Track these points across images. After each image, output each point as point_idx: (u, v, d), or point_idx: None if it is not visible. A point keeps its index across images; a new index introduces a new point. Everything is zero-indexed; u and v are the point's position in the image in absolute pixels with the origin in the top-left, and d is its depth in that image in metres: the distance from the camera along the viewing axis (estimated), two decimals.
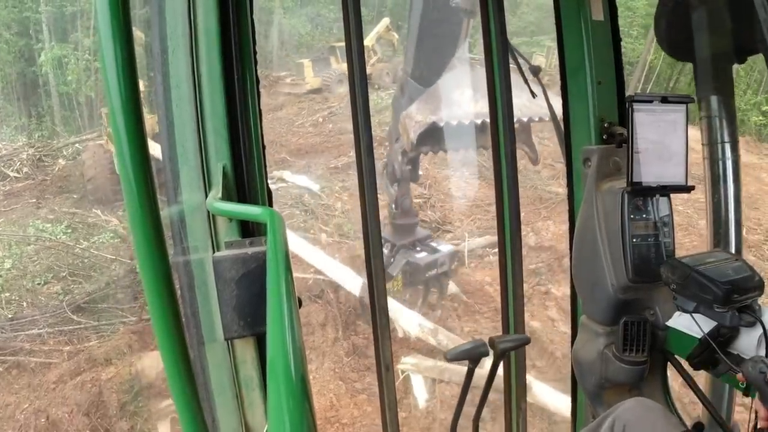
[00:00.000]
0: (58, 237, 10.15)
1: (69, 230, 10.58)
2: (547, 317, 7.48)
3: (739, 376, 1.35)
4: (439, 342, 6.76)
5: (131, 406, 6.22)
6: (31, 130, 20.33)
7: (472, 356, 1.76)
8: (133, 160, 0.62)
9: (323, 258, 8.55)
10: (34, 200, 12.43)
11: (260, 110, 1.40)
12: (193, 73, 1.28)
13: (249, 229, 1.31)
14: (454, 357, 1.79)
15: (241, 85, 1.33)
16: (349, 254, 8.77)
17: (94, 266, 9.26)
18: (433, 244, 6.80)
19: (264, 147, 1.41)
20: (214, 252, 1.25)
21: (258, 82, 1.40)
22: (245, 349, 1.31)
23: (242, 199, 1.34)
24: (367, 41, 18.64)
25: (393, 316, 6.80)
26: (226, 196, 1.25)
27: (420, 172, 6.46)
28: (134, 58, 0.61)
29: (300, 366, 0.64)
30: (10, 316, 7.92)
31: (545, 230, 9.47)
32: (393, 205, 6.22)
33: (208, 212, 1.29)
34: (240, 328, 1.15)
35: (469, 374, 1.82)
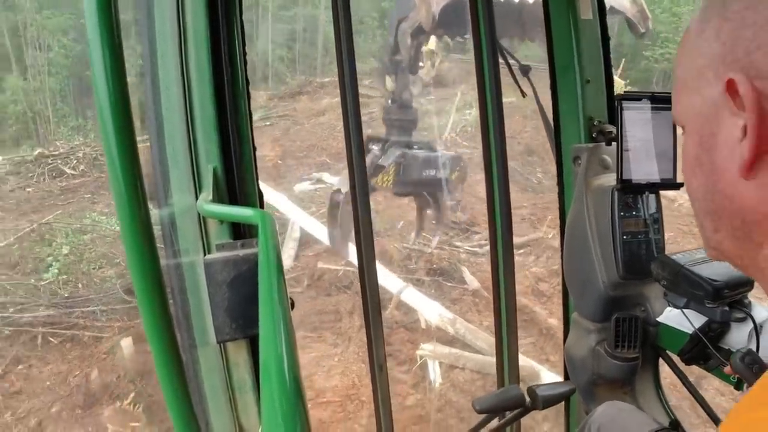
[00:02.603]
0: (112, 228, 10.66)
1: None
2: None
3: (727, 369, 1.36)
4: (457, 331, 7.05)
5: None
6: (87, 130, 20.97)
7: (507, 406, 1.52)
8: (122, 164, 0.62)
9: (353, 252, 8.44)
10: (90, 195, 13.03)
11: (250, 112, 1.39)
12: (182, 75, 1.27)
13: (240, 231, 1.30)
14: (485, 408, 1.51)
15: (231, 86, 1.33)
16: (378, 249, 8.78)
17: None
18: (435, 148, 6.03)
19: (255, 148, 1.41)
20: (205, 254, 1.24)
21: (248, 83, 1.39)
22: (238, 352, 1.30)
23: (233, 201, 1.33)
24: (430, 45, 19.66)
25: (416, 308, 7.39)
26: (217, 198, 1.25)
27: (420, 63, 5.64)
28: (123, 62, 0.61)
29: (293, 368, 0.64)
30: (66, 295, 8.62)
31: None
32: (389, 100, 5.59)
33: (199, 215, 1.28)
34: (232, 330, 1.14)
35: (488, 419, 1.60)
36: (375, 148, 5.66)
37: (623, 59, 23.35)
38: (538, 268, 8.99)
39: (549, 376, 5.95)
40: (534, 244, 9.48)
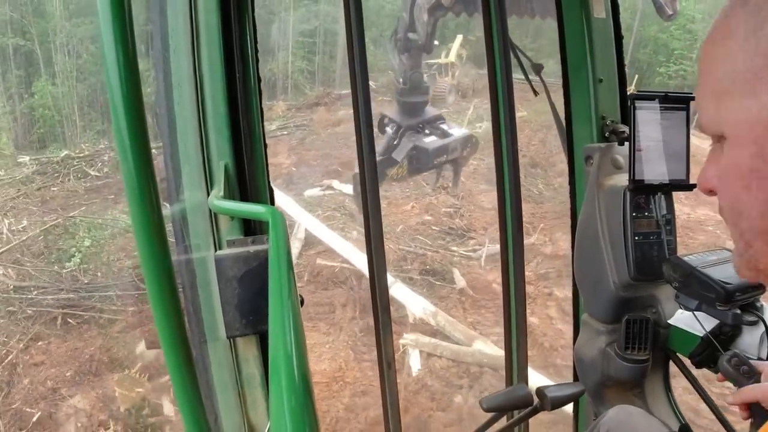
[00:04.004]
0: (131, 225, 11.78)
1: None
2: (546, 315, 8.46)
3: (719, 376, 1.34)
4: (438, 323, 7.86)
5: None
6: (112, 135, 21.80)
7: (515, 405, 1.48)
8: (135, 160, 0.62)
9: (351, 250, 10.00)
10: (113, 196, 13.95)
11: (262, 108, 1.39)
12: (194, 71, 1.27)
13: (251, 228, 1.31)
14: (493, 407, 1.46)
15: (243, 83, 1.33)
16: None
17: None
18: (444, 126, 5.96)
19: (266, 145, 1.41)
20: (216, 250, 1.25)
21: (260, 80, 1.39)
22: (247, 348, 1.31)
23: (244, 198, 1.34)
24: (451, 58, 23.16)
25: (404, 303, 8.13)
26: (228, 195, 1.25)
27: (436, 42, 5.29)
28: (136, 59, 0.62)
29: (302, 364, 0.64)
30: (86, 281, 9.66)
31: (562, 240, 10.10)
32: (400, 80, 5.41)
33: (210, 211, 1.29)
34: (242, 326, 1.15)
35: (495, 419, 1.55)
36: (389, 130, 5.64)
37: (636, 75, 23.39)
38: (526, 273, 9.19)
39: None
40: (525, 250, 9.55)
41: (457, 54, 23.88)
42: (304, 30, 30.15)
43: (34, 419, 6.59)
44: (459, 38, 24.00)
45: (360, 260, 9.37)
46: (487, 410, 1.48)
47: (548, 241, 10.14)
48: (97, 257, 10.36)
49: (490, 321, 8.23)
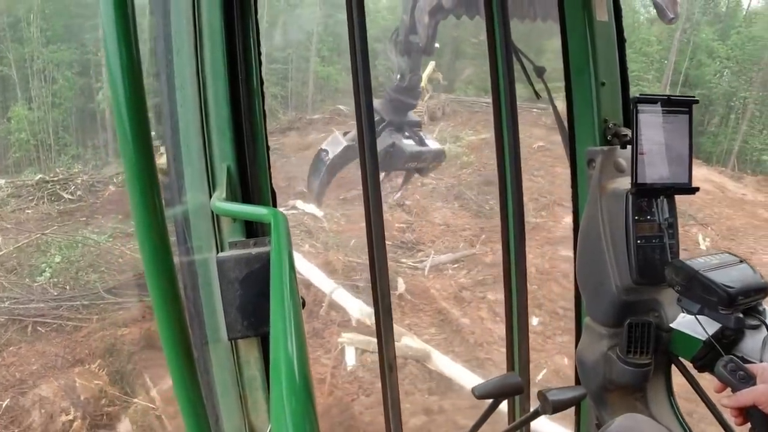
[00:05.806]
0: (100, 243, 12.50)
1: (111, 239, 12.77)
2: (478, 316, 9.68)
3: (717, 386, 1.32)
4: (373, 323, 8.11)
5: (137, 356, 8.57)
6: (86, 159, 23.35)
7: (505, 392, 1.49)
8: (137, 161, 0.62)
9: (300, 260, 10.78)
10: (85, 219, 14.62)
11: (265, 111, 1.40)
12: (197, 73, 1.28)
13: (253, 230, 1.31)
14: (484, 394, 1.48)
15: (246, 85, 1.33)
16: (323, 260, 11.30)
17: (128, 263, 11.68)
18: (422, 133, 6.41)
19: (268, 148, 1.41)
20: (218, 252, 1.25)
21: (262, 82, 1.40)
22: (249, 349, 1.31)
23: (246, 200, 1.34)
24: (422, 83, 22.32)
25: (344, 305, 9.17)
26: (231, 197, 1.25)
27: (436, 44, 5.52)
28: (140, 63, 0.62)
29: (303, 366, 0.64)
30: (55, 293, 10.44)
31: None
32: (398, 75, 5.34)
33: (212, 212, 1.29)
34: (243, 328, 1.15)
35: (492, 409, 1.55)
36: None
37: None
38: (465, 279, 10.73)
39: (438, 356, 7.90)
40: (467, 260, 11.34)
41: (429, 78, 24.62)
42: (277, 57, 30.87)
43: (3, 405, 7.40)
44: (431, 64, 24.93)
45: (307, 269, 10.51)
46: (479, 397, 1.48)
47: (489, 251, 11.40)
48: (66, 272, 11.21)
49: (425, 322, 9.43)
